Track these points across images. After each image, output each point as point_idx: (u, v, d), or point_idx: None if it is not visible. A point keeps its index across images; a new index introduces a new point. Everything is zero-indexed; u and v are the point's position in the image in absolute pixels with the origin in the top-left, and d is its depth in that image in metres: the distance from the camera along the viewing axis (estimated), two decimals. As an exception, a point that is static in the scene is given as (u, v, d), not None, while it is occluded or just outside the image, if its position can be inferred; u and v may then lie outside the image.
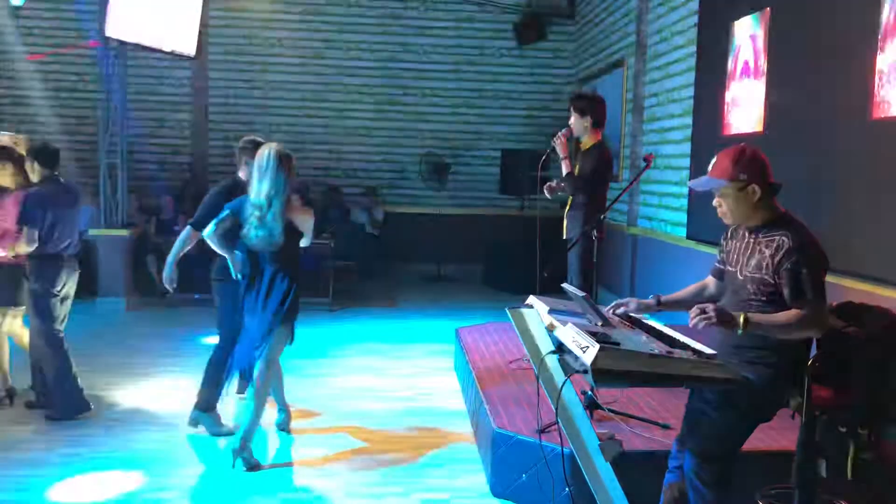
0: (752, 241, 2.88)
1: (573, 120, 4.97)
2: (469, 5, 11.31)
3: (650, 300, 3.10)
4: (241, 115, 11.23)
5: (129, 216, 8.92)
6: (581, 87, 10.77)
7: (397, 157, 11.55)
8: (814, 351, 2.87)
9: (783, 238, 2.75)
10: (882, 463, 2.85)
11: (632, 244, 8.29)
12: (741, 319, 2.65)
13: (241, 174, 4.62)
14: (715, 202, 2.90)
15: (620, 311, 3.05)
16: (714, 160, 2.89)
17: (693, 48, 6.79)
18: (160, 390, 5.50)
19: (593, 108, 4.97)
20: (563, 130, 4.99)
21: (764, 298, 2.79)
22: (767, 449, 3.24)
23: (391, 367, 6.29)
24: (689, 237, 6.70)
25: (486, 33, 11.47)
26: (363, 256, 10.61)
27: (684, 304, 3.08)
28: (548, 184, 5.15)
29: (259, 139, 4.64)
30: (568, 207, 5.06)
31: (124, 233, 8.49)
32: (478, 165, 11.63)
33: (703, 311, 2.64)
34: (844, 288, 4.16)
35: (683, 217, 6.86)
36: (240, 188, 4.45)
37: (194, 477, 4.07)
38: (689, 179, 6.72)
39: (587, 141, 5.00)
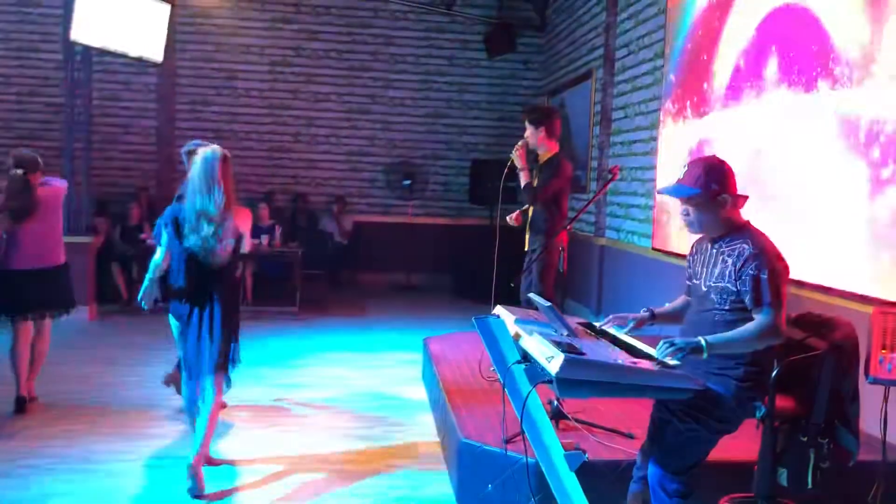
0: (714, 251, 2.92)
1: (528, 132, 5.05)
2: (438, 16, 11.36)
3: (644, 314, 3.12)
4: (208, 122, 11.14)
5: (92, 223, 8.78)
6: (549, 98, 10.86)
7: (366, 166, 11.54)
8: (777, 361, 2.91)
9: (744, 245, 2.80)
10: (841, 471, 2.90)
11: (599, 255, 8.35)
12: (703, 344, 2.69)
13: None
14: (682, 210, 2.94)
15: (617, 325, 3.06)
16: (685, 168, 2.93)
17: (660, 62, 6.88)
18: (123, 399, 5.40)
19: (546, 119, 5.04)
20: (521, 143, 5.05)
21: (727, 307, 2.83)
22: (729, 458, 3.27)
23: (358, 377, 6.26)
24: (654, 248, 6.77)
25: (455, 44, 11.53)
26: (331, 265, 10.57)
27: (676, 317, 3.13)
28: (509, 217, 5.22)
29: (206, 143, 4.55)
30: (529, 219, 5.11)
31: (87, 239, 8.35)
32: (448, 175, 11.65)
33: (672, 344, 2.68)
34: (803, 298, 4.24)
35: (649, 228, 6.94)
36: None
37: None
38: (655, 193, 6.81)
39: (544, 153, 5.09)
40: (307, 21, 11.29)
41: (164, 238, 4.04)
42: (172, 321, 4.15)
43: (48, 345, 5.28)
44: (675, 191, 2.93)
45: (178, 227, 3.95)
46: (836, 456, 2.86)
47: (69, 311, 5.30)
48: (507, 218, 5.22)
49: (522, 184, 5.03)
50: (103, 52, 8.44)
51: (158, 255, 4.10)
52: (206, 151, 3.99)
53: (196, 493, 3.87)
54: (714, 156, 3.01)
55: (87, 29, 7.78)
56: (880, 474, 3.08)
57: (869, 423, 3.17)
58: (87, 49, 8.14)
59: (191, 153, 4.54)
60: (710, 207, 2.86)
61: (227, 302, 4.04)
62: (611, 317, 3.11)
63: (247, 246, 4.20)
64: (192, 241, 3.91)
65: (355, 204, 11.45)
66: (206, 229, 3.90)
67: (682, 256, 3.16)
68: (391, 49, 11.44)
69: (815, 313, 3.05)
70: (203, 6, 10.83)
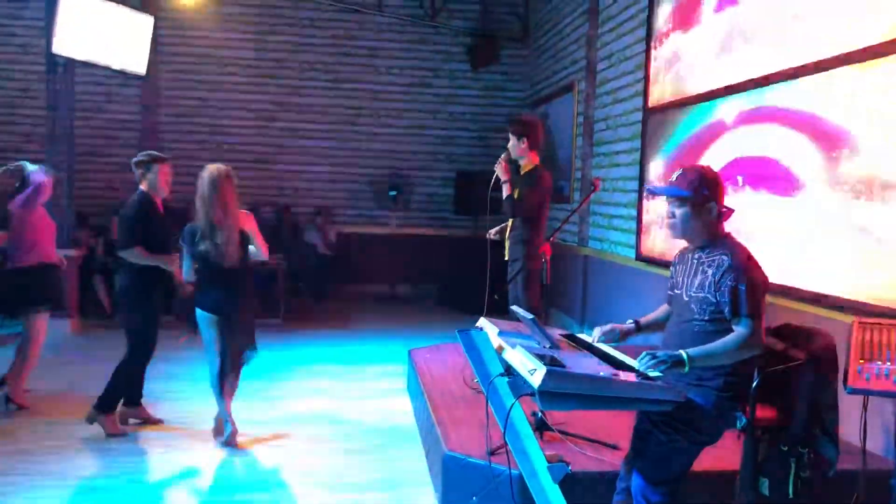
0: (696, 262, 2.95)
1: (511, 143, 5.10)
2: (423, 28, 11.40)
3: (629, 325, 3.15)
4: (192, 133, 11.12)
5: (74, 235, 8.73)
6: (532, 109, 10.93)
7: (351, 178, 11.54)
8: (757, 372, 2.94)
9: (723, 257, 2.84)
10: (821, 480, 2.92)
11: (583, 265, 8.39)
12: (684, 357, 2.71)
13: (143, 186, 4.97)
14: (667, 212, 2.97)
15: (603, 337, 3.08)
16: (679, 172, 2.97)
17: (641, 73, 6.94)
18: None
19: (529, 131, 5.09)
20: (504, 155, 5.11)
21: (707, 318, 2.85)
22: (711, 469, 3.29)
23: (343, 389, 6.24)
24: (638, 258, 6.81)
25: (440, 56, 11.57)
26: (315, 277, 10.55)
27: (661, 326, 3.17)
28: (489, 233, 5.30)
29: (155, 153, 5.10)
30: (509, 230, 5.15)
31: (69, 252, 8.28)
32: (432, 186, 11.68)
33: (654, 357, 2.70)
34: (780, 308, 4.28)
35: (633, 239, 6.98)
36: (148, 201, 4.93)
37: (138, 504, 3.98)
38: (637, 203, 6.85)
39: (525, 164, 5.13)
40: (292, 33, 11.30)
41: (184, 251, 4.72)
42: (202, 317, 4.68)
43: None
44: (666, 190, 2.98)
45: (192, 238, 4.63)
46: (817, 465, 2.88)
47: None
48: (487, 234, 5.29)
49: (504, 195, 5.08)
50: (86, 65, 8.41)
51: (185, 269, 4.77)
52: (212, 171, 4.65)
53: (225, 441, 4.75)
54: (709, 166, 3.07)
55: (70, 41, 7.75)
56: (860, 483, 3.11)
57: (849, 432, 3.20)
58: (70, 61, 8.11)
59: (140, 164, 4.96)
60: (697, 213, 2.89)
61: (245, 298, 4.76)
62: (597, 329, 3.13)
63: (263, 253, 4.77)
64: (204, 246, 4.57)
65: (340, 215, 11.44)
66: (219, 236, 4.56)
67: (666, 266, 3.19)
68: (376, 61, 11.48)
69: (793, 324, 3.08)
70: (187, 18, 10.83)
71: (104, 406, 4.93)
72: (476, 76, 11.60)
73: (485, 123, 11.64)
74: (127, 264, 4.92)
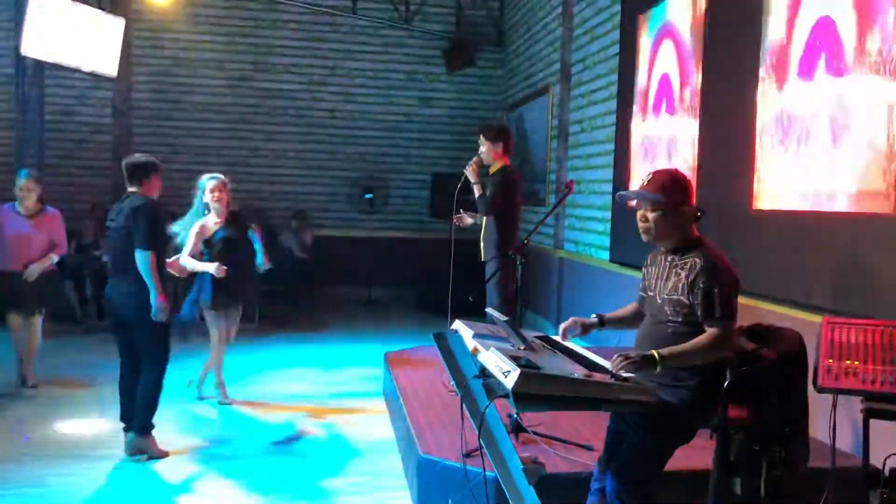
0: (668, 264, 2.97)
1: (484, 148, 5.18)
2: (397, 30, 11.39)
3: (593, 319, 3.17)
4: (166, 136, 11.01)
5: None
6: (508, 113, 10.96)
7: (326, 181, 11.50)
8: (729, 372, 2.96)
9: (696, 259, 2.86)
10: (793, 478, 2.95)
11: (558, 267, 8.42)
12: (656, 357, 2.73)
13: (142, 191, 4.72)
14: (640, 216, 2.98)
15: (569, 333, 3.10)
16: (649, 176, 2.99)
17: (614, 76, 6.99)
18: (74, 420, 5.29)
19: (505, 137, 5.27)
20: (475, 158, 5.18)
21: (680, 320, 2.87)
22: (684, 468, 3.31)
23: (319, 392, 6.21)
24: (612, 260, 6.85)
25: (415, 59, 11.57)
26: (291, 280, 10.47)
27: (625, 322, 3.21)
28: (456, 217, 5.32)
29: (155, 159, 4.88)
30: (483, 230, 5.20)
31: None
32: (408, 189, 11.66)
33: (626, 358, 2.72)
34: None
35: (607, 241, 7.02)
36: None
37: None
38: (613, 204, 6.89)
39: (494, 166, 5.22)
40: (266, 35, 11.24)
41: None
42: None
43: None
44: (639, 195, 2.98)
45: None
46: (789, 463, 2.91)
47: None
48: (455, 219, 5.32)
49: (476, 196, 5.14)
50: (56, 67, 8.31)
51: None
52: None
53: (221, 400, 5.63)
54: (677, 169, 3.08)
55: (39, 43, 7.65)
56: (830, 480, 3.14)
57: (819, 430, 3.24)
58: (39, 63, 8.01)
59: (142, 167, 4.77)
60: (671, 216, 2.91)
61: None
62: (561, 326, 3.15)
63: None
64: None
65: (316, 218, 11.39)
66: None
67: (640, 268, 3.21)
68: (350, 63, 11.45)
69: (764, 324, 3.11)
70: (160, 20, 10.73)
71: (144, 429, 4.60)
72: (451, 79, 11.60)
73: (460, 126, 11.64)
74: (134, 274, 4.51)
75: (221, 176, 5.59)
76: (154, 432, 4.64)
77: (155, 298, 4.46)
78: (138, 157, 4.86)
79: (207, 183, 5.49)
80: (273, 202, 11.24)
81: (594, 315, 3.19)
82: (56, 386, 6.11)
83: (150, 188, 4.72)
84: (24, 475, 4.31)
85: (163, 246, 4.84)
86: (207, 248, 5.48)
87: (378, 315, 10.19)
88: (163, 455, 4.61)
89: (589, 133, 7.76)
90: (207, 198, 5.48)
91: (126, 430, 4.67)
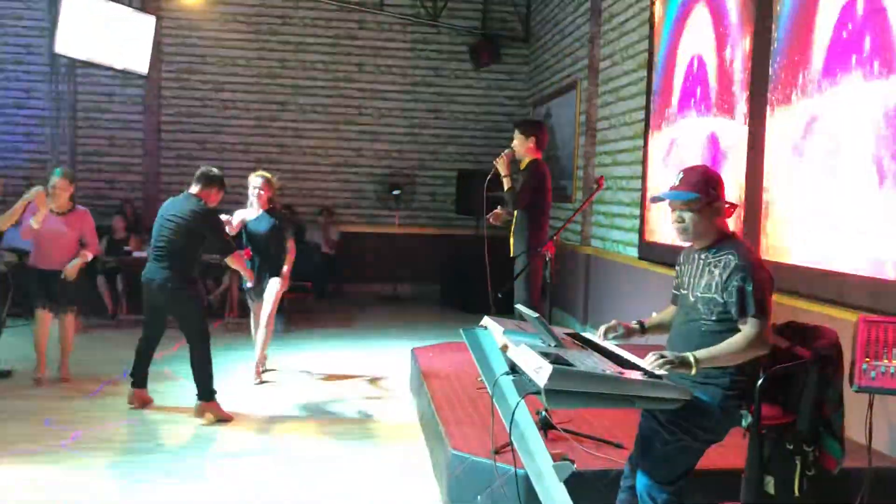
0: (702, 262, 2.95)
1: (516, 142, 5.18)
2: (424, 27, 11.40)
3: (634, 325, 3.15)
4: (194, 133, 11.12)
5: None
6: (535, 109, 10.92)
7: (353, 177, 11.54)
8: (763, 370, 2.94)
9: (729, 256, 2.83)
10: (827, 478, 2.92)
11: (585, 264, 8.38)
12: (692, 360, 2.71)
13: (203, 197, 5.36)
14: (675, 217, 2.95)
15: (610, 333, 3.08)
16: (681, 175, 2.96)
17: (643, 72, 6.94)
18: (104, 413, 5.37)
19: (538, 131, 5.26)
20: (507, 150, 5.16)
21: (714, 318, 2.85)
22: (717, 467, 3.28)
23: (346, 389, 6.24)
24: (640, 258, 6.80)
25: (441, 55, 11.57)
26: (318, 277, 10.53)
27: (665, 328, 3.16)
28: (491, 213, 5.34)
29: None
30: (513, 225, 5.19)
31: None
32: (434, 185, 11.67)
33: (662, 356, 2.70)
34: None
35: (635, 238, 6.97)
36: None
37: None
38: (641, 201, 6.84)
39: (525, 160, 5.21)
40: (293, 33, 11.30)
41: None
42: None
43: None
44: (674, 195, 2.95)
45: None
46: (822, 463, 2.88)
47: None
48: (488, 217, 5.33)
49: (506, 189, 5.13)
50: (88, 65, 8.42)
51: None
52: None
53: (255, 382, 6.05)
54: (707, 165, 3.05)
55: (72, 41, 7.76)
56: (866, 481, 3.10)
57: (854, 430, 3.20)
58: (72, 61, 8.12)
59: (216, 180, 5.39)
60: (707, 213, 2.89)
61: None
62: (602, 326, 3.12)
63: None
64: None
65: (342, 215, 11.44)
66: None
67: (669, 266, 3.19)
68: (377, 60, 11.47)
69: (799, 322, 3.08)
70: (189, 18, 10.84)
71: (206, 395, 5.18)
72: (478, 75, 11.59)
73: (486, 122, 11.64)
74: (178, 264, 5.16)
75: (267, 175, 6.30)
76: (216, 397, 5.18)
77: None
78: (214, 169, 5.49)
79: (251, 180, 6.25)
80: (300, 198, 11.30)
81: (635, 321, 3.17)
82: (88, 381, 6.20)
83: (211, 197, 5.35)
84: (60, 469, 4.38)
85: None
86: (247, 236, 6.27)
87: (404, 311, 10.21)
88: (228, 418, 5.15)
89: (617, 129, 7.71)
90: (250, 192, 6.21)
91: (133, 385, 5.41)
